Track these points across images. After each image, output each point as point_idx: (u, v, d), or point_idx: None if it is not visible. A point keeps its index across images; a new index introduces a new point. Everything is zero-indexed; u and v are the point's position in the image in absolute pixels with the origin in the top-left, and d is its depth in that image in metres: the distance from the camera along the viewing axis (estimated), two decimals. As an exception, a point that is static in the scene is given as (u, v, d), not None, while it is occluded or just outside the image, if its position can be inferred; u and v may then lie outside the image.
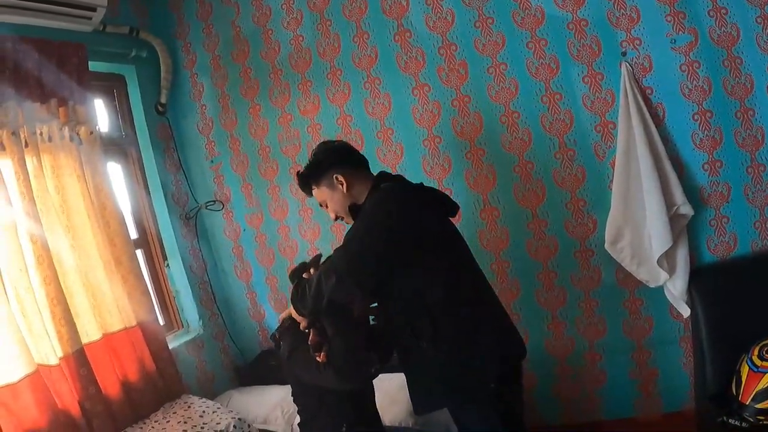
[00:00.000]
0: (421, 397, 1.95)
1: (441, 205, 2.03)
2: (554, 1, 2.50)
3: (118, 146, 3.36)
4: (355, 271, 1.74)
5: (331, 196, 2.03)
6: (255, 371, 3.44)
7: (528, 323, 1.95)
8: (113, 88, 3.42)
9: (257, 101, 3.28)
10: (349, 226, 2.04)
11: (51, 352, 2.46)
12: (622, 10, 2.39)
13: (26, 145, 2.62)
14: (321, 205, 2.12)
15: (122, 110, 3.45)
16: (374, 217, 1.82)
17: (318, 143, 2.22)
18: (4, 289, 2.40)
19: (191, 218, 3.54)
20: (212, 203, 3.53)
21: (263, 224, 3.42)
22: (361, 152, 2.14)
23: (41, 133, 2.70)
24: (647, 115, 2.34)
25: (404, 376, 2.44)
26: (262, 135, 3.30)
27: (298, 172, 2.14)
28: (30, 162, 2.61)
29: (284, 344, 2.09)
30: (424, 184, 2.08)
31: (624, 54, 2.40)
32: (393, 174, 2.08)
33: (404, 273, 1.80)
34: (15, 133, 2.56)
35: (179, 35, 3.54)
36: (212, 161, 3.51)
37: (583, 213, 2.56)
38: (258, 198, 3.40)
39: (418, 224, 1.82)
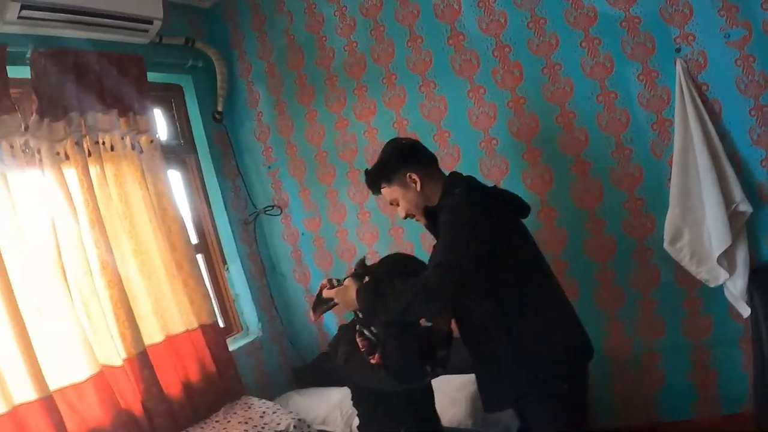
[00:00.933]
0: (492, 396, 2.03)
1: (516, 206, 2.10)
2: None
3: (176, 154, 3.57)
4: (450, 290, 1.77)
5: (403, 194, 2.10)
6: (313, 373, 3.59)
7: (586, 324, 1.95)
8: (171, 97, 3.65)
9: (313, 107, 3.45)
10: (418, 224, 2.17)
11: (115, 353, 2.64)
12: (674, 6, 2.43)
13: (89, 155, 2.82)
14: (391, 203, 2.19)
15: (180, 119, 3.67)
16: (461, 227, 1.85)
17: (387, 141, 2.29)
18: (70, 292, 2.57)
19: (250, 223, 3.75)
20: (270, 208, 3.73)
21: (321, 228, 3.59)
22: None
23: (104, 143, 2.90)
24: (703, 112, 2.37)
25: (464, 378, 2.60)
26: (319, 140, 3.47)
27: (366, 170, 2.21)
28: (93, 170, 2.81)
29: (340, 351, 2.17)
30: (497, 186, 2.16)
31: (678, 51, 2.44)
32: (464, 175, 2.14)
33: (485, 274, 1.83)
34: (78, 143, 2.76)
35: (234, 45, 3.75)
36: (270, 167, 3.71)
37: (641, 212, 2.61)
38: (316, 202, 3.57)
39: (498, 227, 1.88)
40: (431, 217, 2.05)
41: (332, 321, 3.62)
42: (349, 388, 2.31)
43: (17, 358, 2.33)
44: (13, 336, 2.33)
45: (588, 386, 2.00)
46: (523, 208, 2.11)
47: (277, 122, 3.64)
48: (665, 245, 2.45)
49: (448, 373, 2.24)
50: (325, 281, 2.10)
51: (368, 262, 2.12)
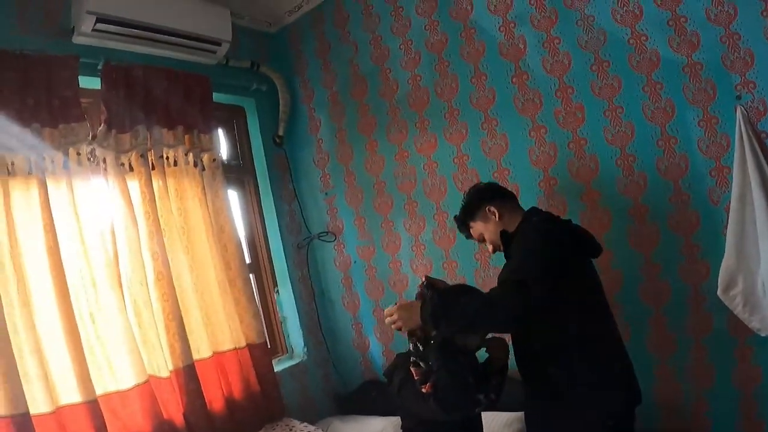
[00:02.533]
0: (538, 428, 2.22)
1: (589, 245, 2.28)
2: (669, 44, 2.66)
3: (235, 175, 3.83)
4: (515, 307, 1.93)
5: (485, 227, 2.40)
6: (355, 401, 3.79)
7: (636, 367, 2.15)
8: (233, 119, 3.94)
9: (374, 137, 3.69)
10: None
11: (163, 364, 2.83)
12: (736, 54, 2.53)
13: (153, 168, 3.06)
14: (480, 241, 2.50)
15: (241, 140, 3.96)
16: (534, 249, 2.05)
17: (468, 188, 2.62)
18: (124, 301, 2.78)
19: (303, 247, 4.02)
20: (325, 234, 3.98)
21: (375, 257, 3.80)
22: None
23: (167, 157, 3.14)
24: (762, 160, 2.43)
25: (511, 415, 2.70)
26: (378, 170, 3.70)
27: (455, 216, 2.57)
28: (156, 183, 3.04)
29: (395, 378, 2.30)
30: (572, 222, 2.34)
31: (739, 98, 2.51)
32: (542, 210, 2.39)
33: (550, 305, 1.96)
34: (143, 156, 3.00)
35: (297, 71, 4.05)
36: (326, 193, 3.96)
37: (697, 258, 2.69)
38: (371, 231, 3.80)
39: (570, 259, 2.08)
40: (505, 241, 2.30)
41: (377, 350, 3.84)
42: (401, 416, 2.42)
43: (66, 361, 2.53)
44: (65, 339, 2.53)
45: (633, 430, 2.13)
46: (595, 248, 2.30)
47: (337, 150, 3.89)
48: (719, 292, 2.51)
49: (497, 410, 2.44)
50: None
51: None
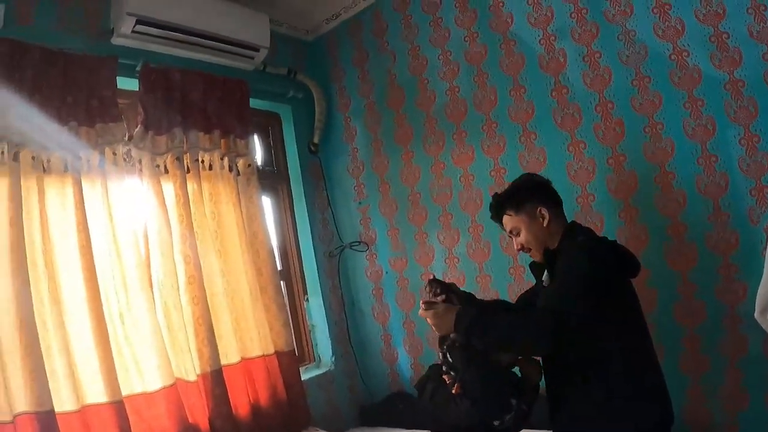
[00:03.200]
0: None
1: (630, 264, 2.25)
2: (711, 61, 2.68)
3: (269, 181, 3.91)
4: (552, 336, 1.96)
5: (528, 226, 2.31)
6: (381, 412, 3.83)
7: (669, 387, 2.15)
8: (269, 125, 4.04)
9: (410, 148, 3.75)
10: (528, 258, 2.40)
11: (191, 368, 2.89)
12: None
13: (188, 171, 3.12)
14: (510, 232, 2.38)
15: (276, 147, 4.05)
16: (579, 278, 2.03)
17: (522, 174, 2.58)
18: (154, 303, 2.84)
19: (335, 256, 4.08)
20: (357, 244, 4.05)
21: (407, 269, 3.85)
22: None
23: (203, 161, 3.22)
24: None
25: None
26: (413, 181, 3.75)
27: (496, 193, 2.43)
28: (190, 187, 3.11)
29: (427, 388, 2.36)
30: (616, 242, 2.29)
31: None
32: (583, 226, 2.37)
33: (589, 323, 1.99)
34: (179, 159, 3.07)
35: (334, 79, 4.13)
36: (360, 203, 4.03)
37: (734, 279, 2.69)
38: (404, 243, 3.85)
39: (614, 281, 2.10)
40: (548, 259, 2.25)
41: (406, 362, 3.88)
42: (433, 428, 2.47)
43: (94, 360, 2.59)
44: (94, 338, 2.60)
45: None
46: (635, 267, 2.26)
47: (373, 159, 3.96)
48: (756, 314, 2.37)
49: (526, 428, 2.37)
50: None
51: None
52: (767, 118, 2.59)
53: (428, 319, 2.21)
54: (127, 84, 3.08)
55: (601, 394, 2.08)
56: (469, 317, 2.11)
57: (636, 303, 2.23)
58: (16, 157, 2.56)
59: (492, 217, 2.46)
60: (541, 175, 2.56)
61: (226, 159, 3.38)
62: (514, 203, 2.35)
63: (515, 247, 2.40)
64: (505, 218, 2.39)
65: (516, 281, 3.34)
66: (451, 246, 3.64)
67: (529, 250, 2.35)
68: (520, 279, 3.32)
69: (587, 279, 2.02)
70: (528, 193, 2.36)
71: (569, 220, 2.40)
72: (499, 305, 2.41)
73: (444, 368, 2.26)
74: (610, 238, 2.30)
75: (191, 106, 3.25)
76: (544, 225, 2.30)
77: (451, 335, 2.22)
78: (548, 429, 2.42)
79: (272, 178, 4.06)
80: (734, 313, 2.73)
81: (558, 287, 2.11)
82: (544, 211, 2.30)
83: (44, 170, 2.65)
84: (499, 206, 2.41)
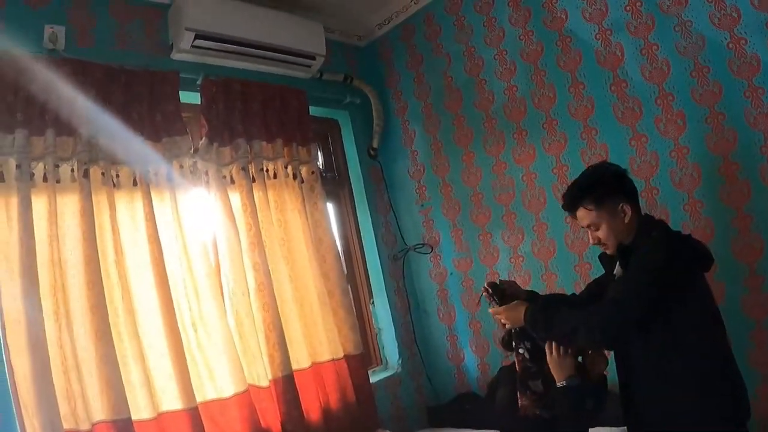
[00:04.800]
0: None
1: (703, 257, 2.24)
2: None
3: (331, 187, 3.97)
4: (616, 329, 2.05)
5: (609, 222, 2.24)
6: (448, 413, 3.88)
7: None
8: (328, 132, 4.10)
9: (471, 149, 3.79)
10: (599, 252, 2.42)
11: (263, 373, 2.95)
12: None
13: (254, 180, 3.19)
14: (588, 227, 2.31)
15: (336, 153, 4.12)
16: (650, 273, 2.05)
17: (597, 163, 2.51)
18: (226, 310, 2.91)
19: (399, 259, 4.15)
20: (420, 246, 4.11)
21: (471, 269, 3.89)
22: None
23: (267, 170, 3.29)
24: None
25: (613, 429, 2.70)
26: (475, 182, 3.80)
27: (574, 183, 2.37)
28: (256, 196, 3.18)
29: (499, 392, 2.42)
30: (691, 235, 2.28)
31: None
32: (656, 219, 2.33)
33: (665, 319, 2.05)
34: (245, 169, 3.14)
35: (389, 83, 4.21)
36: (422, 205, 4.09)
37: None
38: (468, 243, 3.89)
39: (688, 273, 2.11)
40: (622, 253, 2.24)
41: (472, 362, 3.94)
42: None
43: (168, 368, 2.68)
44: (167, 347, 2.68)
45: None
46: (709, 261, 2.24)
47: (433, 162, 4.01)
48: None
49: (599, 425, 2.46)
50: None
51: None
52: (829, 102, 2.46)
53: (501, 315, 2.35)
54: (189, 98, 3.17)
55: (677, 388, 2.09)
56: (536, 311, 2.22)
57: (710, 296, 2.22)
58: (86, 174, 2.64)
59: (565, 207, 2.39)
60: (613, 163, 2.50)
61: (289, 167, 3.47)
62: (595, 198, 2.27)
63: (591, 240, 2.35)
64: (583, 212, 2.30)
65: (582, 278, 3.33)
66: (516, 245, 3.68)
67: (606, 244, 2.31)
68: (585, 276, 3.32)
69: (659, 273, 2.03)
70: (610, 188, 2.28)
71: (647, 214, 2.38)
72: (561, 299, 2.43)
73: (514, 343, 2.35)
74: (689, 236, 2.29)
75: (252, 116, 3.34)
76: (626, 221, 2.24)
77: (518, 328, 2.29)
78: (621, 426, 2.50)
79: (334, 184, 4.13)
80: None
81: (628, 280, 2.14)
82: (627, 208, 2.24)
83: (114, 185, 2.75)
84: (577, 198, 2.32)
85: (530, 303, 2.28)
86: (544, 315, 2.21)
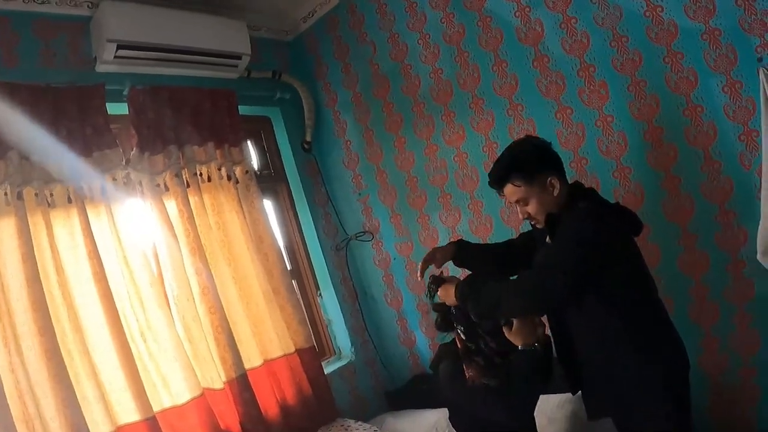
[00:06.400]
0: (599, 402, 2.24)
1: (632, 224, 2.23)
2: (686, 13, 2.69)
3: (268, 184, 3.94)
4: (541, 296, 2.04)
5: (538, 197, 2.19)
6: (406, 396, 3.86)
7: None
8: (260, 129, 4.05)
9: (402, 134, 3.76)
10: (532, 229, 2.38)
11: (216, 376, 2.93)
12: (753, 16, 2.54)
13: (188, 186, 3.15)
14: (516, 202, 2.26)
15: (270, 150, 4.07)
16: (576, 244, 2.02)
17: (522, 138, 2.42)
18: (173, 317, 2.88)
19: (342, 249, 4.12)
20: (362, 234, 4.08)
21: (413, 252, 3.87)
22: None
23: (201, 174, 3.25)
24: None
25: (562, 397, 2.78)
26: (408, 166, 3.78)
27: (498, 161, 2.30)
28: (192, 201, 3.14)
29: (442, 366, 2.39)
30: (620, 204, 2.31)
31: (760, 60, 2.52)
32: (585, 186, 2.32)
33: (597, 286, 2.04)
34: (178, 175, 3.10)
35: (319, 76, 4.14)
36: (360, 194, 4.05)
37: (733, 225, 2.72)
38: (407, 227, 3.88)
39: (619, 246, 2.09)
40: (550, 223, 2.20)
41: (424, 343, 3.93)
42: (447, 406, 2.51)
43: (122, 381, 2.63)
44: (119, 359, 2.64)
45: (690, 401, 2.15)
46: (637, 226, 2.24)
47: (366, 150, 3.98)
48: (758, 256, 2.51)
49: (546, 392, 2.46)
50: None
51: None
52: (747, 63, 2.60)
53: (440, 292, 2.32)
54: (118, 109, 3.09)
55: (615, 350, 2.12)
56: (464, 285, 2.19)
57: (640, 260, 2.24)
58: (19, 196, 2.58)
59: (492, 184, 2.33)
60: (537, 136, 2.49)
61: (223, 169, 3.41)
62: (523, 174, 2.21)
63: (521, 215, 2.32)
64: (510, 188, 2.24)
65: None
66: (454, 225, 3.68)
67: (536, 218, 2.27)
68: (524, 249, 3.31)
69: (586, 246, 2.02)
70: (535, 162, 2.22)
71: (577, 182, 2.38)
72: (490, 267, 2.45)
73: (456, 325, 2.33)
74: (617, 205, 2.31)
75: (183, 121, 3.26)
76: (554, 194, 2.20)
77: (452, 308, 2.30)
78: (566, 392, 2.51)
79: (270, 180, 4.08)
80: (737, 259, 2.75)
81: (555, 253, 2.13)
82: (555, 181, 2.20)
83: (49, 204, 2.69)
84: (504, 175, 2.25)
85: (460, 280, 2.25)
86: (470, 288, 2.17)
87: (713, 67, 2.69)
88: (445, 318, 2.37)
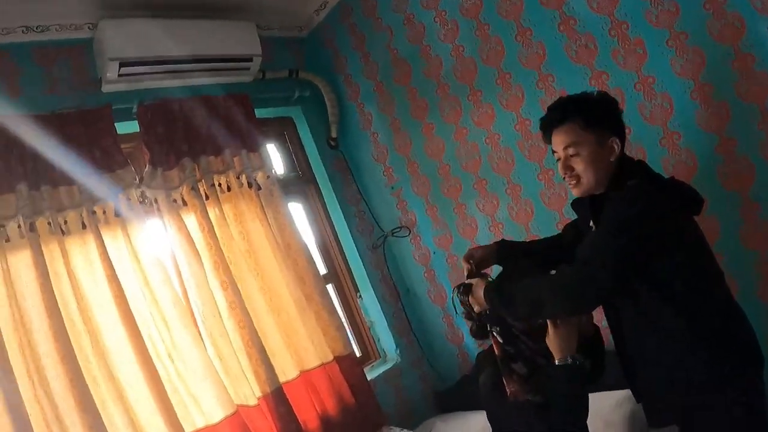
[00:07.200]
0: (659, 408, 2.01)
1: (691, 201, 1.94)
2: None
3: (296, 186, 3.84)
4: (585, 294, 1.78)
5: (593, 150, 1.90)
6: (457, 396, 3.67)
7: (751, 322, 1.89)
8: (283, 130, 3.95)
9: (429, 120, 3.57)
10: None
11: (250, 392, 2.85)
12: None
13: (207, 198, 3.09)
14: (566, 148, 1.94)
15: (295, 150, 3.96)
16: (623, 231, 1.75)
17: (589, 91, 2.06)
18: (200, 335, 2.82)
19: (378, 247, 3.96)
20: (398, 230, 3.90)
21: (453, 245, 3.68)
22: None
23: (219, 184, 3.18)
24: None
25: (619, 394, 2.56)
26: (439, 154, 3.57)
27: (564, 97, 2.05)
28: (212, 213, 3.08)
29: (482, 378, 2.18)
30: (675, 178, 1.99)
31: None
32: (635, 160, 2.02)
33: (652, 275, 1.79)
34: (194, 188, 3.04)
35: (338, 69, 3.98)
36: (392, 187, 3.88)
37: None
38: (444, 218, 3.67)
39: (673, 230, 1.80)
40: (594, 203, 1.96)
41: (472, 340, 3.66)
42: (490, 421, 2.26)
43: (151, 404, 2.59)
44: (146, 382, 2.60)
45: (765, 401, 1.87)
46: (698, 204, 1.95)
47: (394, 141, 3.80)
48: None
49: (601, 389, 2.29)
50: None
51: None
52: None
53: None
54: (130, 127, 3.06)
55: (677, 349, 1.83)
56: (494, 291, 1.93)
57: (702, 242, 1.94)
58: (32, 228, 2.56)
59: (545, 124, 2.02)
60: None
61: (243, 176, 3.30)
62: (587, 117, 1.92)
63: (561, 171, 1.98)
64: (567, 128, 1.94)
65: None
66: (492, 212, 3.46)
67: (577, 179, 1.95)
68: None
69: (631, 232, 1.75)
70: (606, 115, 1.95)
71: (627, 156, 2.04)
72: (523, 270, 2.12)
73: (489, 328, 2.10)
74: (672, 180, 1.99)
75: (196, 132, 3.19)
76: (611, 159, 1.92)
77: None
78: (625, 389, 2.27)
79: (299, 182, 3.95)
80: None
81: (599, 241, 1.84)
82: (616, 144, 1.92)
83: (63, 233, 2.65)
84: (565, 112, 1.95)
85: (488, 282, 2.00)
86: (499, 295, 1.92)
87: (760, 9, 2.38)
88: (480, 324, 2.14)
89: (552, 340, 1.95)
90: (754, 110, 2.45)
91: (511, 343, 2.06)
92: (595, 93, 2.03)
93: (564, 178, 2.00)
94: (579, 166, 1.93)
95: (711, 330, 1.80)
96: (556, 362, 1.94)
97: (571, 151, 1.93)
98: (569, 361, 1.92)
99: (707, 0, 2.48)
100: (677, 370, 1.84)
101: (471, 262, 2.23)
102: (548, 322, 1.95)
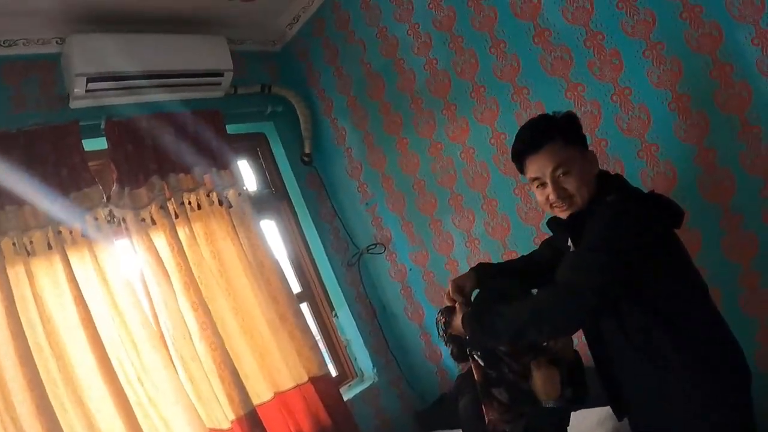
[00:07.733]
0: (646, 429, 1.92)
1: (672, 215, 1.85)
2: None
3: (270, 203, 3.76)
4: (567, 318, 1.73)
5: (581, 166, 1.83)
6: (437, 415, 3.58)
7: (735, 334, 1.82)
8: (256, 146, 3.88)
9: (403, 135, 3.51)
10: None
11: (222, 416, 2.77)
12: None
13: (176, 217, 3.03)
14: (555, 169, 1.82)
15: (268, 167, 3.89)
16: (603, 250, 1.69)
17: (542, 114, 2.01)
18: (171, 358, 2.75)
19: (354, 264, 3.88)
20: (373, 246, 3.83)
21: (429, 261, 3.61)
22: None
23: (189, 203, 3.12)
24: None
25: (601, 412, 2.48)
26: (414, 169, 3.51)
27: (532, 122, 1.93)
28: (182, 232, 3.01)
29: (462, 402, 2.16)
30: (654, 192, 1.92)
31: None
32: (612, 174, 1.96)
33: (636, 293, 1.72)
34: (163, 207, 2.97)
35: (311, 83, 3.93)
36: (367, 204, 3.81)
37: None
38: (420, 235, 3.61)
39: (656, 246, 1.73)
40: (573, 227, 1.87)
41: (451, 358, 3.62)
42: None
43: (120, 428, 2.52)
44: (115, 407, 2.53)
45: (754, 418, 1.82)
46: (678, 217, 1.86)
47: (368, 156, 3.74)
48: None
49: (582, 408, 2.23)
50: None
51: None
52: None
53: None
54: (98, 144, 2.98)
55: (661, 367, 1.76)
56: (473, 319, 1.88)
57: (685, 256, 1.89)
58: None
59: (526, 146, 1.89)
60: None
61: (213, 194, 3.24)
62: (566, 134, 1.84)
63: (553, 194, 1.85)
64: (552, 150, 1.83)
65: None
66: (468, 228, 3.40)
67: (570, 199, 1.85)
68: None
69: (613, 251, 1.69)
70: (579, 129, 1.90)
71: (604, 171, 1.98)
72: (502, 294, 2.04)
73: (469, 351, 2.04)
74: (652, 194, 1.92)
75: (165, 150, 3.11)
76: (593, 172, 1.87)
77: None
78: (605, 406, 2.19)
79: (272, 199, 3.87)
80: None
81: (580, 260, 1.78)
82: (593, 157, 1.89)
83: (28, 253, 2.58)
84: (546, 133, 1.84)
85: (468, 309, 1.96)
86: (479, 324, 1.86)
87: (738, 17, 2.35)
88: (460, 347, 2.08)
89: (536, 383, 1.92)
90: (733, 120, 2.41)
91: (494, 366, 1.99)
92: (554, 113, 1.94)
93: (553, 205, 1.89)
94: (572, 185, 1.84)
95: (698, 345, 1.75)
96: (542, 404, 1.92)
97: (561, 171, 1.84)
98: (552, 404, 1.90)
99: (684, 9, 2.45)
100: (663, 388, 1.78)
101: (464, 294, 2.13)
102: (531, 364, 1.93)
